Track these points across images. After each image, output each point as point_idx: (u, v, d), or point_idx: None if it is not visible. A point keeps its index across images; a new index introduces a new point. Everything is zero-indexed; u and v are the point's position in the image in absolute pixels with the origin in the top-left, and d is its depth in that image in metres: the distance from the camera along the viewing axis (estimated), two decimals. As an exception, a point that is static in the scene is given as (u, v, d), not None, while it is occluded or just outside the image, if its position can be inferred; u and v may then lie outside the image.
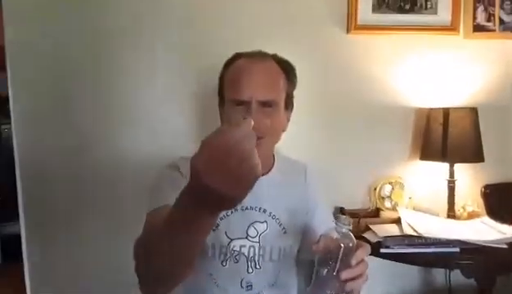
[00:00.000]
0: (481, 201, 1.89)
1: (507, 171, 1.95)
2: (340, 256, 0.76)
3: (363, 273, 0.79)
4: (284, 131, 1.11)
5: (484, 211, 1.85)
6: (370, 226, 1.71)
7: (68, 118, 1.84)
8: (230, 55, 1.14)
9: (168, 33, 1.81)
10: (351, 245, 0.77)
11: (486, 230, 1.65)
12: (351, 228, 0.80)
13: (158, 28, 1.81)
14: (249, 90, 0.99)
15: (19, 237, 2.80)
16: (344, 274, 0.76)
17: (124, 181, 1.83)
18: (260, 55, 1.08)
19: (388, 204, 1.87)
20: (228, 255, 1.05)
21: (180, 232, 0.61)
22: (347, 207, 1.86)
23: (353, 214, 1.83)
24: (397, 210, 1.82)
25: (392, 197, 1.86)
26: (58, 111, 1.84)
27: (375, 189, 1.88)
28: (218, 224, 1.03)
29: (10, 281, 3.24)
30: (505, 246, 1.50)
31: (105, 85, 1.84)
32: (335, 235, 0.79)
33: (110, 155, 1.84)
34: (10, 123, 1.93)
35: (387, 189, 1.87)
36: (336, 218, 0.80)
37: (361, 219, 1.77)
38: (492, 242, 1.53)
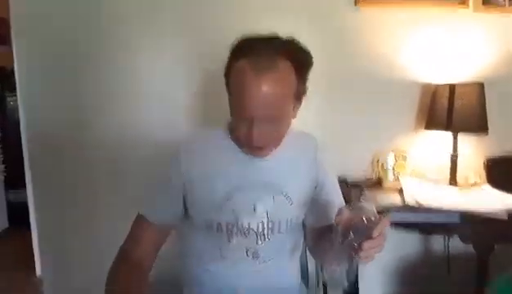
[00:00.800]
0: (483, 173, 1.91)
1: (510, 144, 1.96)
2: (363, 229, 0.80)
3: (381, 244, 0.82)
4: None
5: (486, 184, 1.87)
6: (373, 196, 1.74)
7: (72, 91, 1.85)
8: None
9: (175, 8, 1.80)
10: (373, 218, 0.81)
11: (487, 200, 1.67)
12: (373, 202, 0.85)
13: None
14: (250, 110, 0.94)
15: (26, 204, 2.89)
16: (366, 245, 0.80)
17: (128, 150, 1.86)
18: (268, 60, 0.94)
19: (390, 175, 1.89)
20: (235, 231, 1.06)
21: None
22: (350, 177, 1.89)
23: (356, 185, 1.87)
24: (399, 181, 1.84)
25: (395, 168, 1.89)
26: (63, 84, 1.85)
27: (378, 160, 1.90)
28: (224, 202, 1.04)
29: (16, 246, 3.34)
30: (505, 217, 1.53)
31: (110, 60, 1.85)
32: (358, 209, 0.84)
33: (113, 127, 1.87)
34: (15, 95, 1.95)
35: (390, 160, 1.89)
36: (361, 193, 0.85)
37: (364, 189, 1.79)
38: (493, 212, 1.56)
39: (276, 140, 1.03)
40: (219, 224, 1.05)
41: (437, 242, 2.05)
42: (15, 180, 3.41)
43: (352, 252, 0.81)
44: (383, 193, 1.80)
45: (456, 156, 1.82)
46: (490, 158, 1.92)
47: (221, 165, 1.05)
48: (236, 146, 1.05)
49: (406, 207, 1.61)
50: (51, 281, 2.03)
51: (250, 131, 0.96)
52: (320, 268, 1.46)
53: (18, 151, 2.76)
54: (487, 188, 1.82)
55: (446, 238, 1.98)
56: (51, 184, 1.95)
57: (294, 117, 1.06)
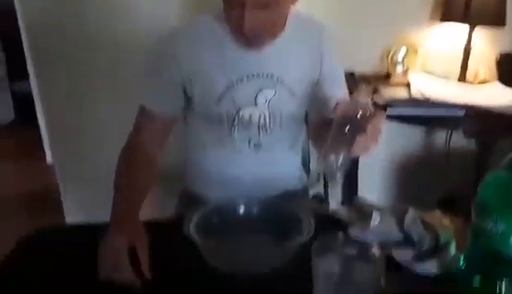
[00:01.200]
0: (494, 69, 1.87)
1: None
2: (357, 122, 0.80)
3: (376, 138, 0.81)
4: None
5: (496, 81, 1.84)
6: (380, 89, 1.72)
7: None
8: None
9: None
10: (368, 113, 0.80)
11: (495, 95, 1.66)
12: (369, 97, 0.82)
13: None
14: None
15: (30, 95, 2.89)
16: (360, 139, 0.79)
17: (129, 37, 1.80)
18: None
19: (399, 69, 1.85)
20: (237, 122, 1.06)
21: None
22: (358, 70, 1.85)
23: (364, 77, 1.84)
24: (408, 74, 1.81)
25: (405, 61, 1.84)
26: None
27: (389, 52, 1.85)
28: (224, 94, 1.02)
29: (24, 137, 3.42)
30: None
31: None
32: (354, 102, 0.82)
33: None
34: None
35: (401, 53, 1.84)
36: (358, 88, 0.82)
37: (371, 82, 1.77)
38: (500, 106, 1.55)
39: (272, 28, 0.97)
40: (220, 117, 1.05)
41: (439, 138, 2.08)
42: (18, 71, 3.41)
43: (348, 146, 0.81)
44: (390, 87, 1.77)
45: (470, 49, 1.76)
46: (503, 53, 1.86)
47: (219, 57, 1.01)
48: (234, 38, 1.00)
49: (411, 100, 1.60)
50: (61, 167, 2.09)
51: (242, 17, 0.89)
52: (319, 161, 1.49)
53: (18, 43, 2.73)
54: (497, 85, 1.79)
55: (449, 132, 2.00)
56: (55, 73, 1.91)
57: (293, 3, 0.98)
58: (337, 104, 0.83)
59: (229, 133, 1.07)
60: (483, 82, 1.83)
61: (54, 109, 2.01)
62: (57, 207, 2.10)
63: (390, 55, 1.85)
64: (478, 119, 1.57)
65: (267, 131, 1.08)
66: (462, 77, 1.80)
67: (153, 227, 0.83)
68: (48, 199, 2.36)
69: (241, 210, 0.89)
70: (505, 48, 1.87)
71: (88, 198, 2.00)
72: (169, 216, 1.15)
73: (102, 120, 1.92)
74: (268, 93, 1.04)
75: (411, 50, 1.84)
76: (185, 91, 1.06)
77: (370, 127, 0.79)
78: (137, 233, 0.81)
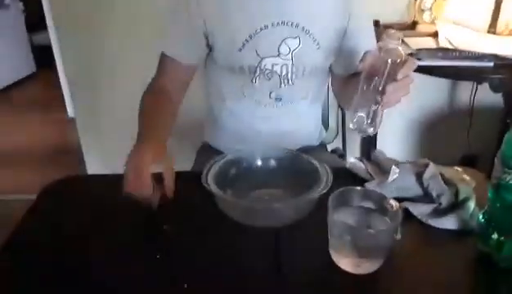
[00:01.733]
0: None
1: None
2: (387, 71, 0.75)
3: (406, 87, 0.78)
4: None
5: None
6: (405, 39, 1.65)
7: None
8: None
9: None
10: (398, 61, 0.75)
11: (526, 47, 1.57)
12: (399, 43, 0.77)
13: None
14: None
15: (50, 47, 2.89)
16: (390, 88, 0.76)
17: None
18: None
19: (427, 17, 1.76)
20: (258, 73, 1.03)
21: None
22: (383, 19, 1.76)
23: (389, 26, 1.76)
24: (435, 23, 1.72)
25: (433, 9, 1.75)
26: None
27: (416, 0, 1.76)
28: (245, 44, 0.99)
29: (46, 89, 3.46)
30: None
31: None
32: (382, 51, 0.77)
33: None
34: None
35: (429, 0, 1.74)
36: (386, 33, 0.77)
37: (396, 31, 1.69)
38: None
39: None
40: (241, 66, 1.02)
41: (465, 93, 2.01)
42: (37, 22, 3.40)
43: (377, 96, 0.77)
44: (417, 37, 1.69)
45: (502, -3, 1.66)
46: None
47: (243, 2, 0.97)
48: None
49: (439, 50, 1.53)
50: (83, 120, 2.12)
51: None
52: (343, 115, 1.46)
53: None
54: (528, 34, 1.69)
55: (475, 86, 1.93)
56: (74, 25, 1.90)
57: None
58: (365, 54, 0.80)
59: (250, 84, 1.05)
60: (515, 32, 1.74)
61: (73, 64, 2.02)
62: (79, 159, 2.16)
63: (418, 2, 1.76)
64: (507, 70, 1.49)
65: (288, 82, 1.05)
66: (492, 28, 1.71)
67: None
68: (70, 151, 2.43)
69: (259, 162, 0.88)
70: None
71: (108, 150, 2.05)
72: (188, 169, 1.17)
73: (116, 74, 1.92)
74: (292, 43, 1.00)
75: (440, -4, 1.75)
76: (207, 38, 1.03)
77: (400, 76, 0.75)
78: (163, 153, 0.83)
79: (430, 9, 1.75)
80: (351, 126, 0.80)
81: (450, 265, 0.72)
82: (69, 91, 2.42)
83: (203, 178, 0.77)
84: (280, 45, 1.00)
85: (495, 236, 0.69)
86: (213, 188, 0.74)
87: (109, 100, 2.03)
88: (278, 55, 1.01)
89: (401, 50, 0.77)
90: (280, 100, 1.08)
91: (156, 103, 1.00)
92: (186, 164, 1.25)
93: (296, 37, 1.00)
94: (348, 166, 0.94)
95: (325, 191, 0.73)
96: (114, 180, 0.78)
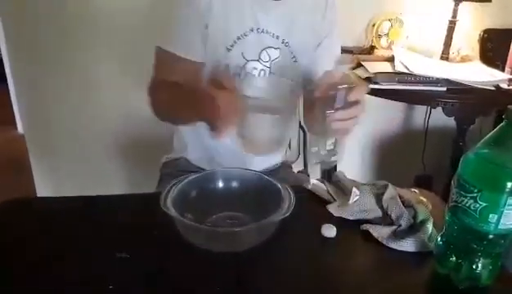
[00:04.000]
0: (477, 46, 1.87)
1: (510, 16, 1.88)
2: (337, 98, 0.75)
3: (356, 115, 0.77)
4: None
5: (478, 57, 1.85)
6: (363, 63, 1.70)
7: None
8: None
9: None
10: (347, 86, 0.75)
11: (476, 72, 1.66)
12: (349, 68, 0.77)
13: None
14: None
15: (1, 62, 2.76)
16: (338, 115, 0.76)
17: None
18: None
19: (384, 42, 1.83)
20: (243, 76, 1.04)
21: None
22: (342, 43, 1.82)
23: (347, 50, 1.81)
24: (391, 48, 1.80)
25: (390, 35, 1.82)
26: None
27: (374, 25, 1.82)
28: (234, 45, 1.00)
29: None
30: (492, 87, 1.54)
31: None
32: (335, 75, 0.77)
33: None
34: None
35: (385, 26, 1.81)
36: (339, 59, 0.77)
37: (354, 55, 1.74)
38: (480, 83, 1.55)
39: None
40: (227, 67, 1.02)
41: (419, 116, 2.09)
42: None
43: (329, 123, 0.76)
44: (374, 60, 1.75)
45: (454, 23, 1.75)
46: (487, 29, 1.86)
47: (239, 5, 0.98)
48: None
49: (395, 74, 1.58)
50: (32, 136, 2.02)
51: None
52: (304, 135, 1.47)
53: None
54: (478, 64, 1.79)
55: (428, 110, 2.02)
56: (24, 39, 1.82)
57: None
58: (321, 78, 0.80)
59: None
60: (465, 58, 1.83)
61: (24, 78, 1.92)
62: (28, 178, 2.05)
63: (375, 27, 1.82)
64: (459, 94, 1.57)
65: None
66: (445, 53, 1.80)
67: (132, 201, 0.81)
68: (19, 170, 2.29)
69: (220, 183, 0.86)
70: (491, 25, 1.87)
71: (57, 168, 1.95)
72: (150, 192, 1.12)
73: (66, 88, 1.85)
74: (272, 53, 1.03)
75: (397, 22, 1.82)
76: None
77: (351, 99, 0.75)
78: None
79: (387, 34, 1.82)
80: (314, 161, 0.79)
81: (410, 286, 0.72)
82: (19, 105, 2.31)
83: (162, 201, 0.73)
84: (261, 51, 1.02)
85: (453, 258, 0.70)
86: (172, 212, 0.71)
87: (59, 115, 1.94)
88: (258, 60, 1.03)
89: (352, 75, 0.78)
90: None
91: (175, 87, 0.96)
92: (148, 184, 1.22)
93: (277, 49, 1.03)
94: (309, 187, 0.94)
95: (287, 214, 0.71)
96: (64, 203, 0.74)
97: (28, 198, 0.93)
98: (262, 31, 1.01)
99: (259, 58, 1.03)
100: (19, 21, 1.76)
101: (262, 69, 1.04)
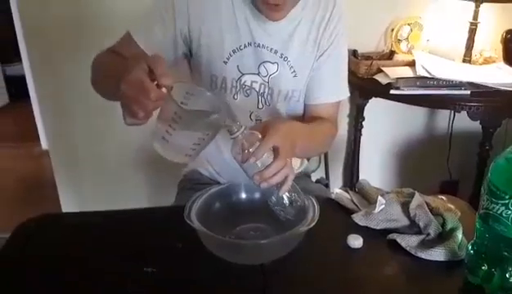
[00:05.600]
0: (500, 47, 1.82)
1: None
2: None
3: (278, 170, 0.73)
4: None
5: (501, 58, 1.80)
6: (383, 68, 1.69)
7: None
8: None
9: None
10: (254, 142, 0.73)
11: (499, 74, 1.63)
12: (241, 130, 0.73)
13: None
14: None
15: (23, 78, 2.84)
16: (255, 178, 0.73)
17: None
18: None
19: (403, 47, 1.81)
20: (239, 88, 1.04)
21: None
22: (361, 49, 1.81)
23: (367, 56, 1.80)
24: (412, 53, 1.77)
25: (410, 39, 1.79)
26: None
27: (393, 30, 1.80)
28: (229, 58, 1.00)
29: (19, 120, 3.38)
30: (517, 90, 1.50)
31: None
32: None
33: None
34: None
35: (405, 30, 1.79)
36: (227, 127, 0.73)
37: (374, 61, 1.73)
38: (505, 84, 1.52)
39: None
40: (224, 77, 1.02)
41: (442, 120, 2.05)
42: (9, 55, 3.36)
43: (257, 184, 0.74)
44: (394, 65, 1.73)
45: (476, 25, 1.71)
46: (510, 29, 1.81)
47: (233, 20, 0.98)
48: (252, 4, 0.97)
49: (416, 78, 1.56)
50: (57, 152, 2.06)
51: None
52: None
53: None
54: (502, 65, 1.75)
55: (452, 114, 1.97)
56: (47, 55, 1.86)
57: None
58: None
59: (232, 98, 1.04)
60: (489, 60, 1.79)
61: (47, 94, 1.97)
62: (53, 193, 2.09)
63: (395, 32, 1.80)
64: (484, 98, 1.53)
65: (266, 103, 1.05)
66: (467, 56, 1.76)
67: (152, 214, 0.81)
68: (44, 185, 2.34)
69: (243, 195, 0.86)
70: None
71: (80, 183, 1.98)
72: (170, 205, 1.13)
73: (91, 104, 1.88)
74: (270, 68, 1.02)
75: (416, 25, 1.80)
76: (190, 48, 1.02)
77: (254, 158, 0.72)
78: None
79: (407, 39, 1.80)
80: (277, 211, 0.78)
81: (441, 297, 0.70)
82: (43, 122, 2.35)
83: (185, 214, 0.73)
84: (259, 65, 1.02)
85: (484, 267, 0.68)
86: (197, 224, 0.71)
87: (84, 131, 1.98)
88: (258, 74, 1.03)
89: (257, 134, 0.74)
90: (261, 122, 1.06)
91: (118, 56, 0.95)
92: (167, 199, 1.23)
93: (274, 63, 1.02)
94: (333, 196, 0.93)
95: (312, 225, 0.71)
96: (90, 218, 0.74)
97: (55, 214, 0.94)
98: (259, 45, 1.00)
99: (258, 72, 1.02)
100: (42, 35, 1.81)
101: (263, 83, 1.04)
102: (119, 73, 0.72)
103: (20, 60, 2.86)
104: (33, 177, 2.68)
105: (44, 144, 2.89)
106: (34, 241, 0.83)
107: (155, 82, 0.67)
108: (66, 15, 1.75)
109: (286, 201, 0.76)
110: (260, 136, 0.74)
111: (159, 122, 0.70)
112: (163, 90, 0.66)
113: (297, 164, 1.21)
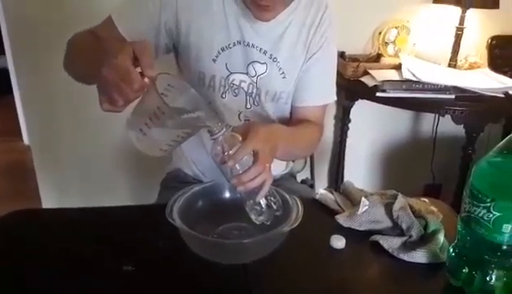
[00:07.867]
0: (485, 53, 1.85)
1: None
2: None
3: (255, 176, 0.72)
4: None
5: (486, 64, 1.83)
6: (369, 71, 1.70)
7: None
8: None
9: None
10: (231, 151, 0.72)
11: (485, 80, 1.65)
12: (222, 132, 0.73)
13: None
14: None
15: (6, 71, 2.78)
16: (233, 181, 0.73)
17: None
18: None
19: (390, 50, 1.82)
20: (227, 87, 1.03)
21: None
22: (348, 51, 1.82)
23: (354, 58, 1.81)
24: (398, 56, 1.79)
25: (397, 42, 1.81)
26: None
27: (380, 33, 1.81)
28: (218, 56, 1.00)
29: (1, 114, 3.30)
30: (501, 95, 1.52)
31: None
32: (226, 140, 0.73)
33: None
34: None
35: (392, 33, 1.81)
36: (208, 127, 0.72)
37: (361, 63, 1.74)
38: (489, 90, 1.54)
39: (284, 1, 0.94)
40: (213, 77, 1.01)
41: (427, 124, 2.08)
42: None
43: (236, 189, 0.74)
44: (381, 68, 1.74)
45: (462, 30, 1.74)
46: (495, 35, 1.84)
47: (223, 17, 0.97)
48: (243, 4, 0.96)
49: (403, 82, 1.57)
50: (39, 147, 2.02)
51: None
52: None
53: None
54: (487, 71, 1.78)
55: (436, 117, 2.00)
56: (30, 50, 1.83)
57: None
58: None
59: (220, 97, 1.03)
60: (474, 65, 1.82)
61: (30, 89, 1.93)
62: (34, 189, 2.05)
63: (382, 35, 1.82)
64: (468, 102, 1.55)
65: (254, 102, 1.05)
66: (453, 61, 1.78)
67: (133, 212, 0.80)
68: (25, 181, 2.30)
69: (227, 194, 0.85)
70: (498, 31, 1.86)
71: (61, 178, 1.95)
72: (152, 203, 1.11)
73: (74, 99, 1.85)
74: (259, 68, 1.01)
75: (404, 28, 1.81)
76: (174, 43, 1.00)
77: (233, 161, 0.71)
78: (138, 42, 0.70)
79: (394, 42, 1.82)
80: (253, 215, 0.77)
81: (422, 299, 0.70)
82: (25, 117, 2.31)
83: (167, 212, 0.72)
84: (248, 65, 1.01)
85: (466, 270, 0.68)
86: (179, 223, 0.70)
87: (66, 127, 1.95)
88: (246, 74, 1.02)
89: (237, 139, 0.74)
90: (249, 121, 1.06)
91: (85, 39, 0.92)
92: (150, 196, 1.21)
93: (263, 64, 1.01)
94: (317, 197, 0.92)
95: (295, 225, 0.70)
96: (70, 214, 0.73)
97: (32, 210, 0.92)
98: (248, 45, 0.99)
99: (247, 71, 1.02)
100: (24, 31, 1.77)
101: (251, 83, 1.03)
102: (99, 55, 0.70)
103: (3, 52, 2.80)
104: (15, 172, 2.63)
105: (26, 139, 2.84)
106: (9, 237, 0.81)
107: (139, 70, 0.65)
108: (51, 10, 1.71)
109: (263, 206, 0.75)
110: (240, 139, 0.73)
111: (138, 112, 0.69)
112: (146, 80, 0.65)
113: (282, 166, 1.21)
